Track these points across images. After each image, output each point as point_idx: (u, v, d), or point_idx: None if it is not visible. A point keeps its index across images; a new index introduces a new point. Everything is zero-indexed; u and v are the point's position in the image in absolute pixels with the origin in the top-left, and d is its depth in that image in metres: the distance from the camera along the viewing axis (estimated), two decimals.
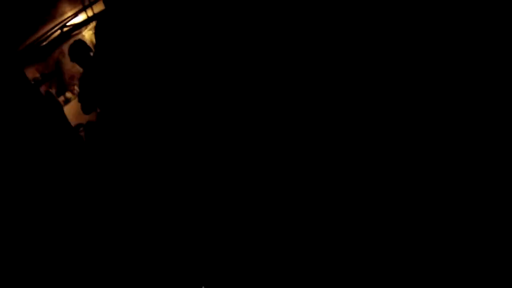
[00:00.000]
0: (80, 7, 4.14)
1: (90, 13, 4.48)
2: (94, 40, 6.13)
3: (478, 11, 1.18)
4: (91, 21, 4.94)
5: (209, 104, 1.66)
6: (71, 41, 5.77)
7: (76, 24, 4.80)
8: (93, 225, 1.83)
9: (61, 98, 5.76)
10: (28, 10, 3.06)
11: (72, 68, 6.35)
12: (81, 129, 4.89)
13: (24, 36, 3.67)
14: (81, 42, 2.62)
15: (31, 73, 5.68)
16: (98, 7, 4.34)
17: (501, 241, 1.19)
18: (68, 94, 5.78)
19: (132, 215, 1.85)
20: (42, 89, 6.18)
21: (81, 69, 5.32)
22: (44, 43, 4.78)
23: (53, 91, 6.35)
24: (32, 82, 6.00)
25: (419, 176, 1.36)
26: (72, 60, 2.82)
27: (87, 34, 5.65)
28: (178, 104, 1.71)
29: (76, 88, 6.02)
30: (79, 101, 2.42)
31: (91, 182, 1.94)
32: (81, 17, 4.61)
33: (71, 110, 5.10)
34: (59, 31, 4.53)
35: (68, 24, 4.53)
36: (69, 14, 4.23)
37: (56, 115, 2.25)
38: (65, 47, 6.06)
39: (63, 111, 3.35)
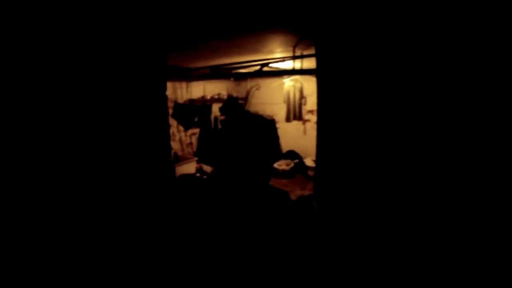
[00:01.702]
0: (291, 54, 3.43)
1: (298, 64, 3.76)
2: (290, 92, 5.62)
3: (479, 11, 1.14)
4: (295, 74, 4.29)
5: None
6: (270, 80, 5.45)
7: (280, 69, 4.25)
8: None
9: None
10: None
11: (256, 105, 6.09)
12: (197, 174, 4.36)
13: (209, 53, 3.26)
14: (234, 100, 2.82)
15: (218, 88, 5.69)
16: (307, 63, 3.54)
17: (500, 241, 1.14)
18: None
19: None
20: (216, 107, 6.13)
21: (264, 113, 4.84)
22: (242, 70, 4.48)
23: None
24: (215, 97, 6.05)
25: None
26: (221, 112, 2.90)
27: (287, 84, 5.13)
28: None
29: None
30: (195, 154, 2.64)
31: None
32: (288, 64, 3.99)
33: None
34: (259, 67, 4.06)
35: (271, 65, 3.99)
36: (277, 55, 3.63)
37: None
38: (262, 83, 5.86)
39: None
